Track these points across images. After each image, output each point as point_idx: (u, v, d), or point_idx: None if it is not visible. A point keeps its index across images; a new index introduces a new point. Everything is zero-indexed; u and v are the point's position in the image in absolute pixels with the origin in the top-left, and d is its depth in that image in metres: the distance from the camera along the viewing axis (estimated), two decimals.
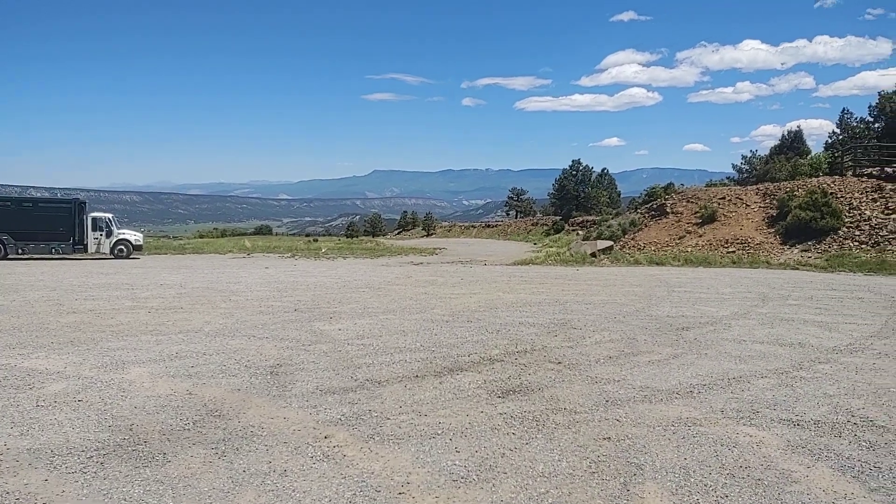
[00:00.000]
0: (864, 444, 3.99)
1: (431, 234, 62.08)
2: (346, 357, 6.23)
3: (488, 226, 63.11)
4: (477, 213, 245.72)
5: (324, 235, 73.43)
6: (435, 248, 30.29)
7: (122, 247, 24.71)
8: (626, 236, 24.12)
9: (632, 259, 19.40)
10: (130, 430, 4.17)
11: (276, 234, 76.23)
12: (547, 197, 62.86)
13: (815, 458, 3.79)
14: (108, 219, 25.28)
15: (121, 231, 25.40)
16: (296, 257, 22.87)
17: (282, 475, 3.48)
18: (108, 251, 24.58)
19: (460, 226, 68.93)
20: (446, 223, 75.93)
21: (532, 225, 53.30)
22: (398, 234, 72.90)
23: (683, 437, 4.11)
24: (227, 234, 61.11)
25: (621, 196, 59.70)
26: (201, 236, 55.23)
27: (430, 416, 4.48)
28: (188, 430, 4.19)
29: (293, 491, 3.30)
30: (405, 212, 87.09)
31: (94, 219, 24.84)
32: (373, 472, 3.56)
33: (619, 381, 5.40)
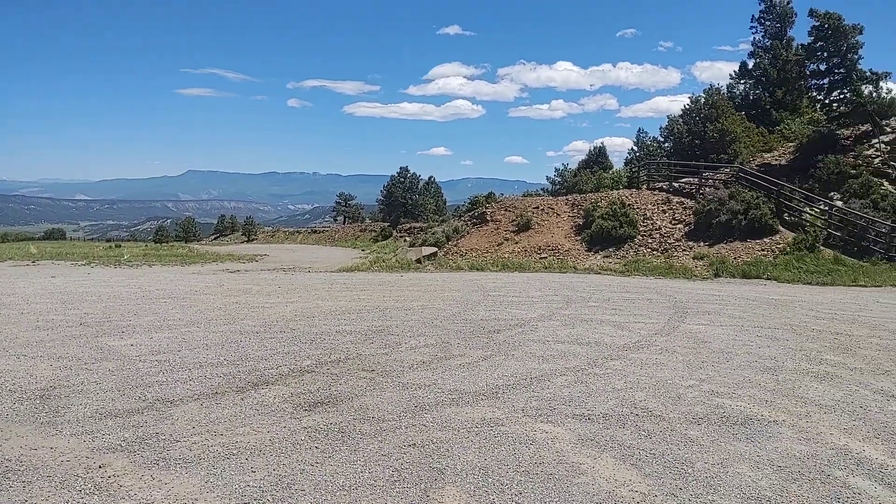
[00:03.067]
0: (643, 433, 4.35)
1: (253, 240, 59.56)
2: (136, 375, 5.64)
3: (315, 231, 61.86)
4: (304, 218, 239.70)
5: (129, 241, 67.21)
6: (255, 255, 28.98)
7: None
8: (450, 243, 24.87)
9: (454, 265, 20.00)
10: None
11: (72, 240, 68.35)
12: (376, 203, 63.18)
13: (602, 449, 4.05)
14: None
15: None
16: (91, 265, 20.58)
17: None
18: None
19: (285, 231, 66.84)
20: (269, 228, 73.31)
21: (360, 231, 53.20)
22: (215, 239, 69.01)
23: (486, 438, 4.20)
24: (10, 239, 53.72)
25: (447, 204, 61.67)
26: None
27: (227, 436, 4.16)
28: None
29: None
30: (223, 216, 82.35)
31: None
32: (152, 502, 3.20)
33: (429, 385, 5.43)
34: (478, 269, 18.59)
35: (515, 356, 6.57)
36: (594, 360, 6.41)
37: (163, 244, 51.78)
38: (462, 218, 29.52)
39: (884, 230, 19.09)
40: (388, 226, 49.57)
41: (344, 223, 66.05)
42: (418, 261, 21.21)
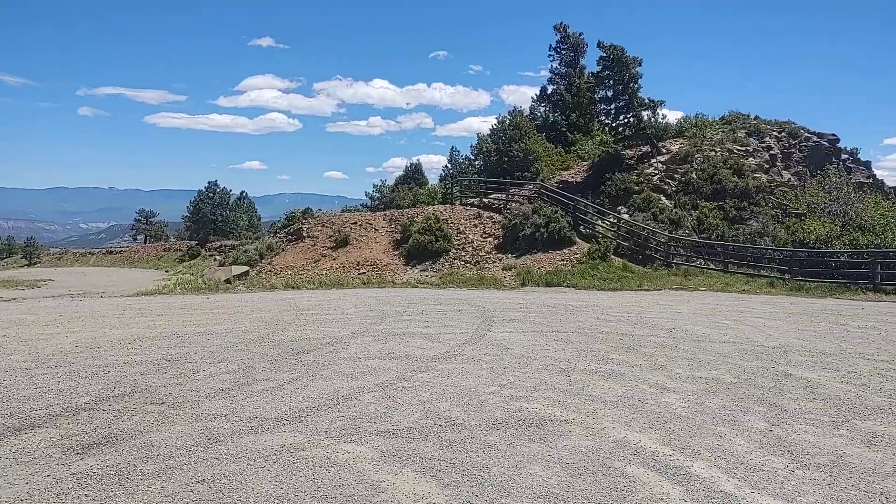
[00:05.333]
0: (445, 443, 4.40)
1: (36, 264, 52.56)
2: None
3: (111, 252, 56.11)
4: (98, 237, 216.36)
5: None
6: (37, 280, 25.61)
7: None
8: (264, 261, 23.88)
9: (268, 284, 19.20)
10: None
11: None
12: (182, 220, 58.91)
13: (403, 464, 4.01)
14: None
15: None
16: None
17: None
18: None
19: (75, 253, 59.75)
20: (57, 250, 65.06)
21: (164, 251, 49.22)
22: None
23: (284, 466, 3.98)
24: None
25: (262, 220, 59.35)
26: None
27: None
28: None
29: None
30: None
31: None
32: None
33: (226, 414, 5.06)
34: (293, 288, 18.02)
35: (324, 376, 6.37)
36: (403, 374, 6.41)
37: None
38: (277, 234, 28.54)
39: (662, 240, 21.62)
40: (196, 244, 46.41)
41: (145, 242, 60.67)
42: (228, 281, 20.07)
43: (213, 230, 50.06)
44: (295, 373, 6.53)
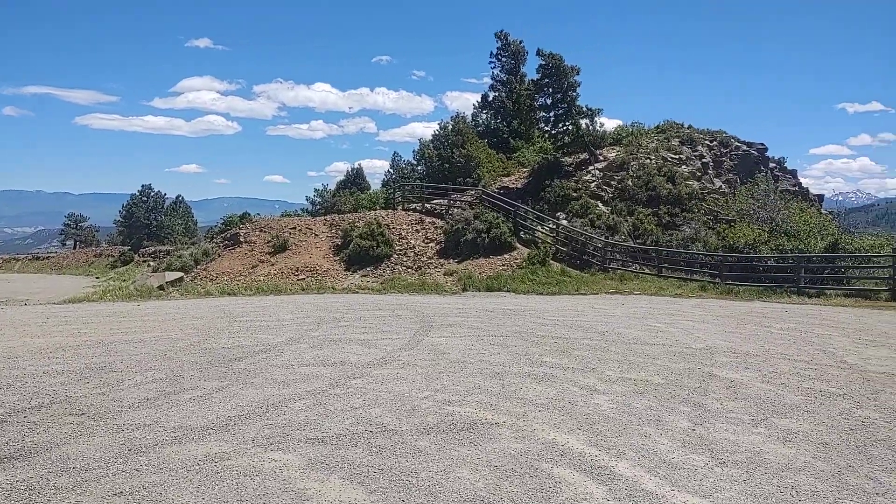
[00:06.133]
0: (374, 449, 4.37)
1: None
2: None
3: (38, 258, 53.58)
4: (25, 243, 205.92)
5: None
6: None
7: None
8: (199, 267, 23.22)
9: (203, 291, 18.69)
10: None
11: None
12: (114, 225, 56.74)
13: (331, 471, 3.97)
14: None
15: None
16: None
17: None
18: None
19: None
20: None
21: (95, 256, 47.30)
22: None
23: (207, 476, 3.87)
24: None
25: (198, 225, 57.78)
26: None
27: None
28: None
29: None
30: None
31: None
32: None
33: (150, 425, 4.89)
34: (230, 294, 17.61)
35: (255, 384, 6.24)
36: (336, 381, 6.35)
37: None
38: (214, 240, 27.81)
39: (599, 245, 22.14)
40: (129, 250, 44.76)
41: (75, 248, 58.16)
42: (161, 287, 19.44)
43: (147, 235, 48.47)
44: (225, 381, 6.37)
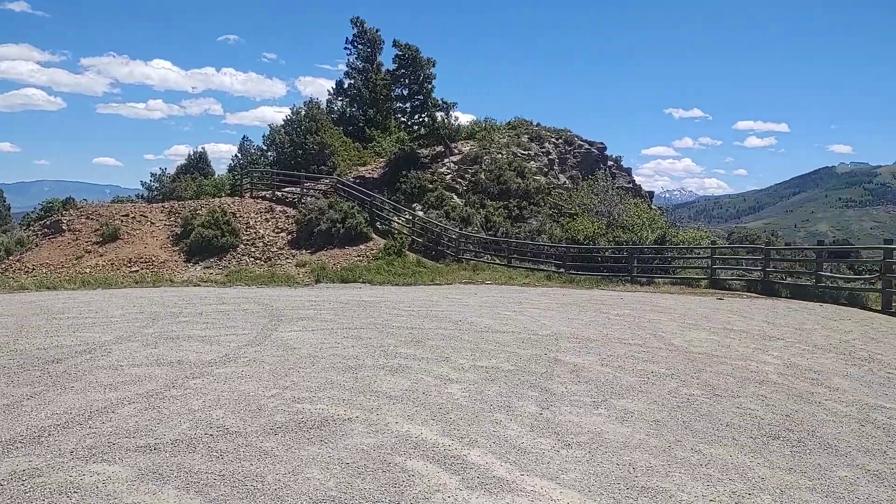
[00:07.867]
0: (215, 454, 4.02)
1: None
2: None
3: None
4: None
5: None
6: None
7: None
8: (12, 258, 20.62)
9: (16, 284, 16.58)
10: None
11: None
12: None
13: (164, 481, 3.58)
14: None
15: None
16: None
17: None
18: None
19: None
20: None
21: None
22: None
23: (12, 497, 3.34)
24: None
25: (12, 210, 51.44)
26: None
27: None
28: None
29: None
30: None
31: None
32: None
33: None
34: (50, 288, 15.77)
35: (76, 388, 5.55)
36: (173, 382, 5.82)
37: None
38: (31, 227, 24.87)
39: (453, 236, 22.56)
40: None
41: None
42: None
43: None
44: (38, 386, 5.61)
